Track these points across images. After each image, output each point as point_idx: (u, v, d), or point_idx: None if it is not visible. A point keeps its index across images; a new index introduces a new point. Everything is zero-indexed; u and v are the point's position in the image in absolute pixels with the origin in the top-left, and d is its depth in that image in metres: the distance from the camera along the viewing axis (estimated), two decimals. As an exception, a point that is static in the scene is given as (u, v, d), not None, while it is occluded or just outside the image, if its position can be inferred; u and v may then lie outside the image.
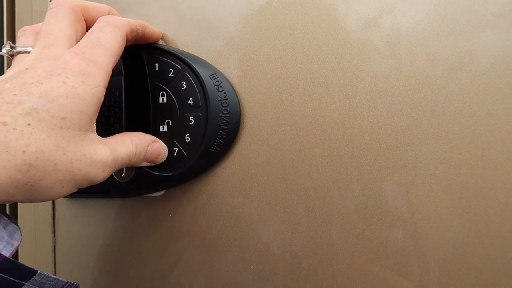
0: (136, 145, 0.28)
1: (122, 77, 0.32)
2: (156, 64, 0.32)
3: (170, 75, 0.32)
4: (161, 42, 0.34)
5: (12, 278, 0.22)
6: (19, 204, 0.37)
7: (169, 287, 0.34)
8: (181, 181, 0.33)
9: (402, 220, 0.29)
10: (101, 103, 0.25)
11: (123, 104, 0.31)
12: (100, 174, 0.25)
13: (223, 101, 0.31)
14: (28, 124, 0.21)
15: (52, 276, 0.24)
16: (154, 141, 0.30)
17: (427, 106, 0.29)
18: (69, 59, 0.24)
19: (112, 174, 0.32)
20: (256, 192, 0.32)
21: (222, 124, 0.31)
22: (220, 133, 0.31)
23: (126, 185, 0.32)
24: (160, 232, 0.34)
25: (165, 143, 0.32)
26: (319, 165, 0.31)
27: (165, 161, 0.32)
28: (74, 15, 0.27)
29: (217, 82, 0.32)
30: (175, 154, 0.32)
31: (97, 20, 0.27)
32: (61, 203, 0.36)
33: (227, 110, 0.32)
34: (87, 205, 0.36)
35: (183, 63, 0.32)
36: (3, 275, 0.21)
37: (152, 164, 0.31)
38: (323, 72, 0.31)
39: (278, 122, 0.32)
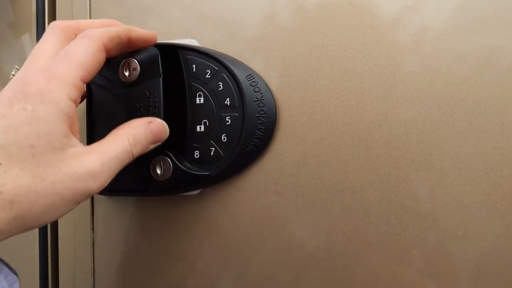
0: (133, 136, 0.27)
1: (160, 79, 0.32)
2: (194, 65, 0.33)
3: (207, 76, 0.33)
4: (196, 43, 0.35)
5: None
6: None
7: (204, 285, 0.34)
8: (218, 180, 0.33)
9: (441, 222, 0.29)
10: (74, 114, 0.25)
11: (161, 105, 0.32)
12: (92, 185, 0.24)
13: (259, 101, 0.32)
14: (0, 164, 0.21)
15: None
16: (150, 122, 0.29)
17: (466, 105, 0.28)
18: (30, 79, 0.24)
19: (150, 172, 0.33)
20: (292, 191, 0.32)
21: (258, 124, 0.32)
22: (257, 133, 0.32)
23: (163, 184, 0.33)
24: (196, 230, 0.34)
25: (202, 143, 0.33)
26: (356, 165, 0.31)
27: (202, 160, 0.33)
28: (64, 35, 0.27)
29: (253, 83, 0.32)
30: (212, 153, 0.33)
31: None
32: (99, 200, 0.37)
33: (263, 110, 0.32)
34: (125, 202, 0.37)
35: (220, 64, 0.32)
36: None
37: (159, 143, 0.30)
38: (359, 72, 0.31)
39: (314, 122, 0.32)
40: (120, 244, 0.37)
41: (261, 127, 0.32)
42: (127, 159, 0.27)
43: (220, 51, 0.34)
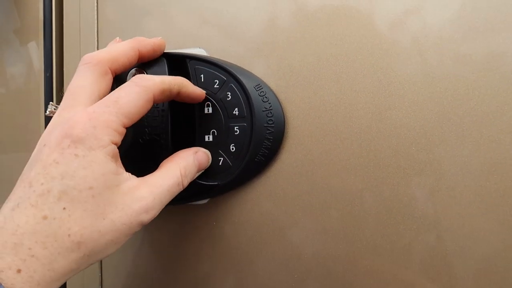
0: (184, 168, 0.29)
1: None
2: (202, 75, 0.33)
3: (215, 86, 0.33)
4: (204, 53, 0.35)
5: None
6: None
7: (212, 293, 0.34)
8: (226, 190, 0.33)
9: (442, 229, 0.29)
10: (117, 153, 0.26)
11: (169, 115, 0.32)
12: (145, 217, 0.26)
13: (268, 111, 0.32)
14: (64, 209, 0.23)
15: None
16: (196, 152, 0.31)
17: (468, 110, 0.29)
18: (77, 121, 0.24)
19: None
20: (301, 201, 0.32)
21: (267, 134, 0.32)
22: (265, 143, 0.32)
23: (173, 194, 0.33)
24: (204, 239, 0.34)
25: (210, 153, 0.33)
26: (364, 175, 0.31)
27: (210, 170, 0.33)
28: (99, 70, 0.27)
29: (262, 93, 0.32)
30: (220, 163, 0.33)
31: (131, 79, 0.27)
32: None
33: (271, 120, 0.32)
34: (132, 212, 0.36)
35: (228, 74, 0.32)
36: None
37: (203, 171, 0.32)
38: (367, 81, 0.31)
39: (322, 131, 0.32)
40: (128, 253, 0.37)
41: (269, 137, 0.32)
42: (177, 191, 0.28)
43: (228, 60, 0.34)
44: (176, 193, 0.28)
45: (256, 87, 0.32)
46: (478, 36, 0.29)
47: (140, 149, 0.33)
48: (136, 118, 0.26)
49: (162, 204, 0.27)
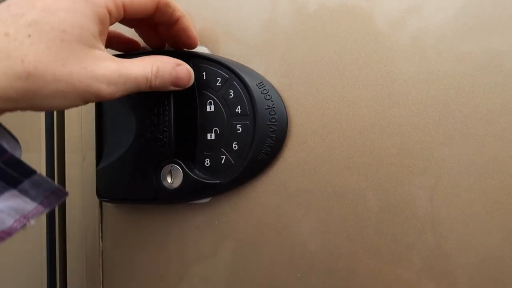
0: (157, 68, 0.28)
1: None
2: (204, 73, 0.33)
3: (217, 84, 0.33)
4: (206, 51, 0.35)
5: (15, 174, 0.24)
6: (67, 209, 0.38)
7: (214, 293, 0.34)
8: (228, 188, 0.33)
9: (446, 228, 0.29)
10: (106, 25, 0.26)
11: (172, 113, 0.32)
12: (104, 89, 0.25)
13: (270, 109, 0.32)
14: (29, 36, 0.23)
15: (49, 180, 0.25)
16: (179, 64, 0.30)
17: (467, 109, 0.28)
18: None
19: (160, 180, 0.32)
20: (303, 200, 0.32)
21: (269, 132, 0.32)
22: (268, 141, 0.32)
23: (174, 192, 0.32)
24: (206, 238, 0.34)
25: (212, 151, 0.33)
26: (367, 173, 0.31)
27: (213, 168, 0.32)
28: None
29: (264, 91, 0.32)
30: (222, 161, 0.32)
31: None
32: (108, 209, 0.37)
33: (274, 118, 0.32)
34: (133, 210, 0.36)
35: (231, 72, 0.32)
36: (8, 170, 0.24)
37: (180, 89, 0.30)
38: (369, 79, 0.31)
39: (325, 129, 0.32)
40: (129, 253, 0.36)
41: (272, 135, 0.32)
42: (143, 85, 0.27)
43: (231, 58, 0.34)
44: (142, 88, 0.27)
45: (258, 85, 0.32)
46: (480, 34, 0.28)
47: (142, 147, 0.33)
48: (135, 4, 0.27)
49: (125, 87, 0.26)
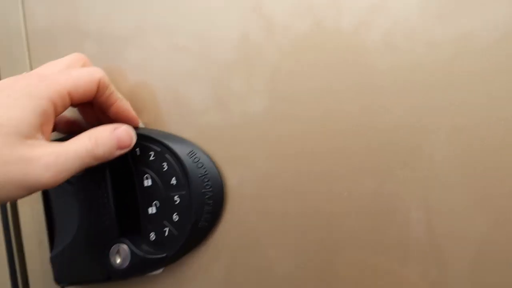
0: (95, 138, 0.28)
1: (107, 169, 0.33)
2: (137, 149, 0.33)
3: (151, 158, 0.33)
4: (141, 125, 0.35)
5: None
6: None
7: None
8: (174, 260, 0.33)
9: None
10: (51, 117, 0.27)
11: (110, 195, 0.33)
12: (44, 174, 0.25)
13: (203, 176, 0.32)
14: None
15: None
16: (116, 128, 0.30)
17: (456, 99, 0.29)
18: (29, 76, 0.28)
19: (110, 262, 0.33)
20: (250, 261, 0.32)
21: (206, 199, 0.32)
22: (206, 207, 0.32)
23: (125, 271, 0.33)
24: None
25: (156, 224, 0.33)
26: (316, 224, 0.31)
27: (157, 242, 0.33)
28: (78, 63, 0.32)
29: (195, 159, 0.32)
30: (166, 234, 0.33)
31: None
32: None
33: (209, 184, 0.32)
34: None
35: (161, 145, 0.33)
36: None
37: (128, 150, 0.31)
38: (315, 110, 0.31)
39: (263, 188, 0.32)
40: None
41: (209, 201, 0.32)
42: (87, 158, 0.28)
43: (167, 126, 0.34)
44: (86, 161, 0.28)
45: (189, 154, 0.33)
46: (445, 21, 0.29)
47: (89, 231, 0.33)
48: (79, 92, 0.29)
49: (67, 166, 0.26)
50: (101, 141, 0.29)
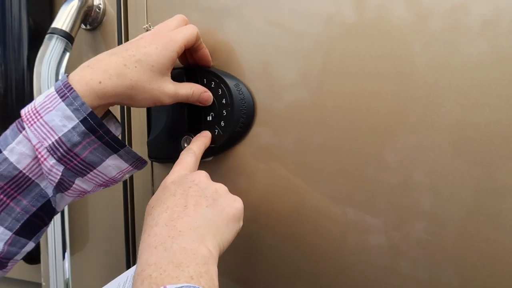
0: (193, 91, 0.49)
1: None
2: (204, 80, 0.53)
3: (212, 86, 0.53)
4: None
5: (116, 145, 0.42)
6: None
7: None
8: (221, 151, 0.54)
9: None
10: (174, 61, 0.45)
11: (185, 105, 0.53)
12: (166, 99, 0.45)
13: (242, 100, 0.51)
14: (135, 66, 0.42)
15: (134, 152, 0.45)
16: (205, 91, 0.51)
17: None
18: (162, 32, 0.46)
19: (181, 146, 0.54)
20: (267, 157, 0.51)
21: (242, 114, 0.51)
22: (241, 119, 0.51)
23: (189, 153, 0.54)
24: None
25: (210, 127, 0.53)
26: (323, 152, 0.49)
27: (212, 138, 0.53)
28: (182, 23, 0.49)
29: (238, 88, 0.52)
30: (215, 133, 0.53)
31: None
32: (156, 165, 0.60)
33: (245, 105, 0.51)
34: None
35: (219, 78, 0.52)
36: (112, 143, 0.42)
37: (205, 104, 0.51)
38: (332, 67, 0.49)
39: (281, 110, 0.50)
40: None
41: (243, 116, 0.51)
42: (185, 99, 0.49)
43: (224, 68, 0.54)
44: (184, 101, 0.49)
45: (235, 86, 0.52)
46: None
47: (170, 127, 0.55)
48: (188, 45, 0.48)
49: (176, 99, 0.47)
50: (195, 93, 0.50)
